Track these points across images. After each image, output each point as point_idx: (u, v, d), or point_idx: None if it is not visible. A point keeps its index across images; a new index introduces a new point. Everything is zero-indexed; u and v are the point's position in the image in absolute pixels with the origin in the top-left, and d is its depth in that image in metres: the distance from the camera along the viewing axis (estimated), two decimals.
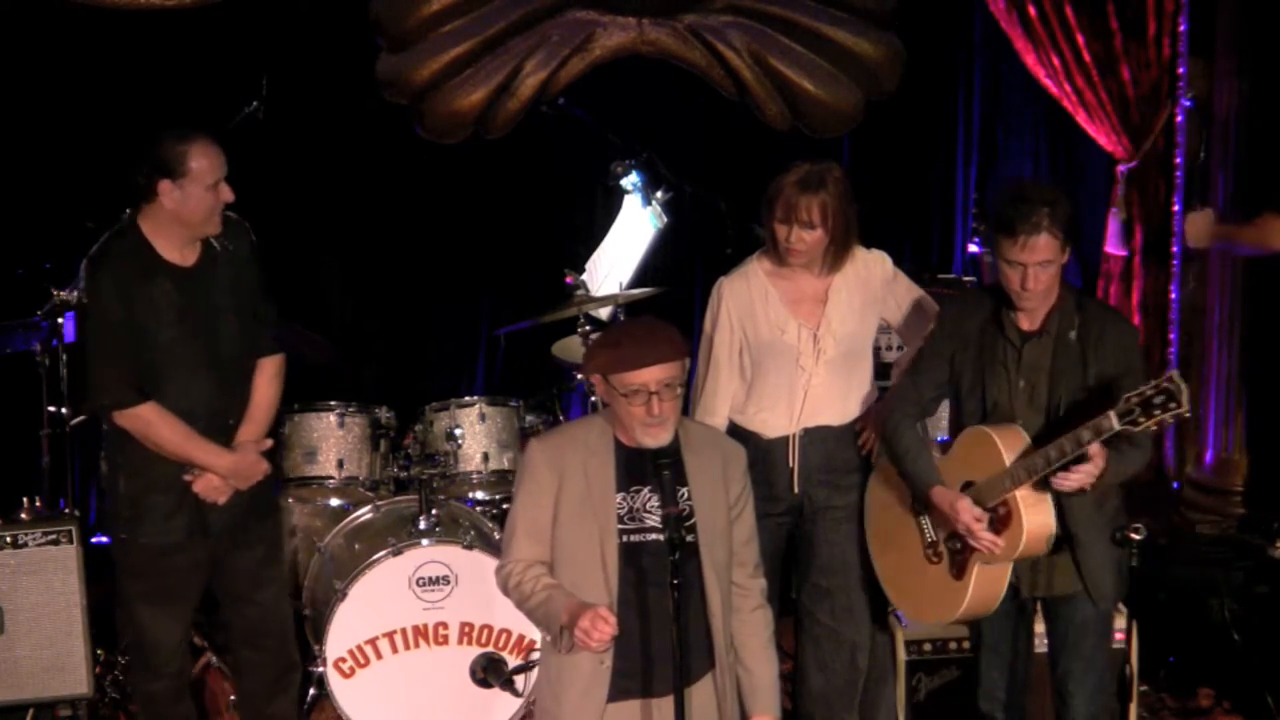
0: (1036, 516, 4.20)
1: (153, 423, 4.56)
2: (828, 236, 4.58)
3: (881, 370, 5.15)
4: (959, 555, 4.36)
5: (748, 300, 4.69)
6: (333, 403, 5.71)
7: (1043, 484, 4.17)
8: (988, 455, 4.25)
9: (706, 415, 4.66)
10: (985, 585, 4.32)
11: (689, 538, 3.79)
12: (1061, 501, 4.21)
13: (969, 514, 4.26)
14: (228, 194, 4.57)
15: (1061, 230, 4.15)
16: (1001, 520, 4.24)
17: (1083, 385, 4.23)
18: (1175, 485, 6.78)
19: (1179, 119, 6.67)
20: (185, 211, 4.54)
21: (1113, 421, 3.99)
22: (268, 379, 4.74)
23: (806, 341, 4.67)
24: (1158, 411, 3.93)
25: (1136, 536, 4.13)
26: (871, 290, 4.73)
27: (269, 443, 4.72)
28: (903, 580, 4.56)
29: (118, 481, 4.68)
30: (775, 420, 4.68)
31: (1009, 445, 4.22)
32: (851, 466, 4.71)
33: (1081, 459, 4.08)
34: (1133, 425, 3.97)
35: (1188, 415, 4.00)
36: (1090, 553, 4.28)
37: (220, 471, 4.61)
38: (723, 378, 4.72)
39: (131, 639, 4.86)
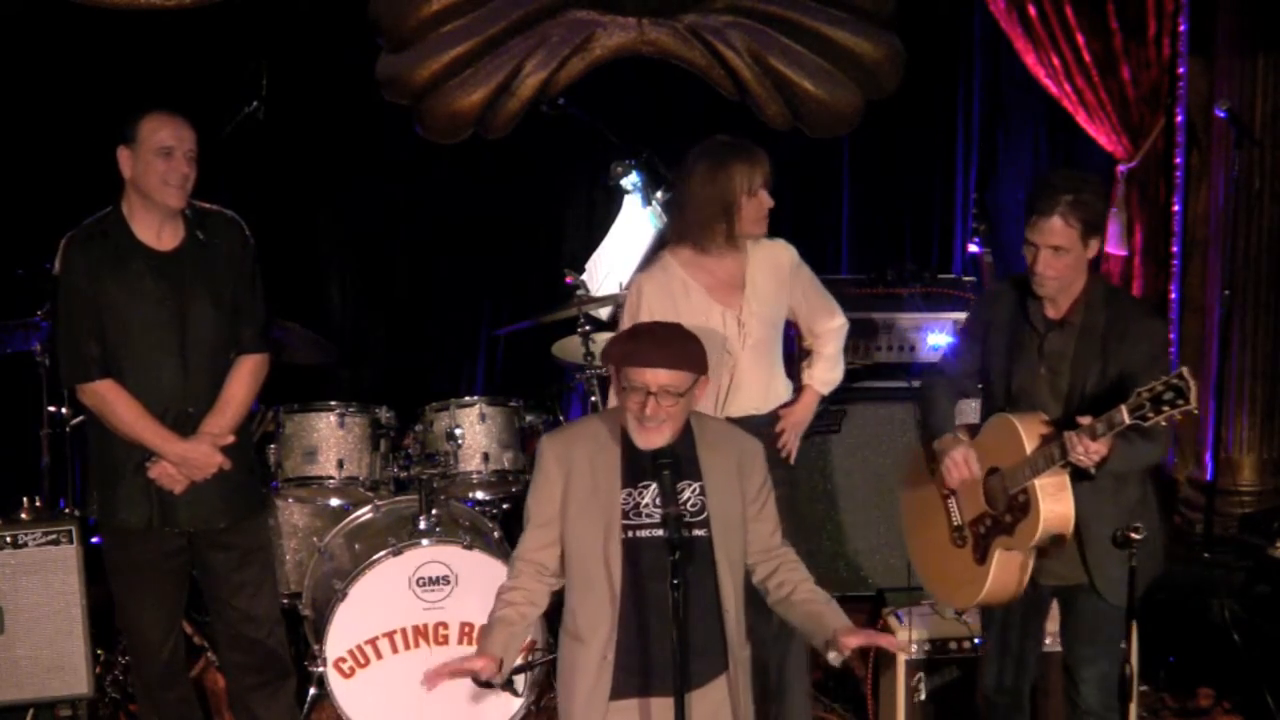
0: (1055, 506, 4.20)
1: (109, 400, 4.58)
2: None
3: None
4: (982, 540, 4.37)
5: (668, 292, 4.70)
6: (333, 403, 5.70)
7: (1072, 474, 4.19)
8: (1012, 442, 4.26)
9: None
10: (1005, 572, 4.33)
11: (701, 533, 3.80)
12: (1074, 492, 4.22)
13: (962, 461, 4.33)
14: (183, 167, 4.57)
15: (1079, 221, 4.17)
16: (1021, 508, 4.25)
17: (1102, 377, 4.25)
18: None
19: (1179, 118, 6.67)
20: (141, 180, 4.57)
21: (1124, 415, 4.02)
22: (243, 375, 4.73)
23: (731, 325, 4.71)
24: (1166, 408, 3.96)
25: (1137, 536, 4.11)
26: (781, 275, 4.80)
27: (230, 438, 4.68)
28: (931, 563, 4.58)
29: (91, 464, 4.75)
30: (702, 407, 4.68)
31: (1030, 433, 4.24)
32: (774, 461, 4.61)
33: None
34: (1142, 420, 4.00)
35: (1195, 413, 4.02)
36: (1095, 545, 4.28)
37: (169, 457, 4.61)
38: None
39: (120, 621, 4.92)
